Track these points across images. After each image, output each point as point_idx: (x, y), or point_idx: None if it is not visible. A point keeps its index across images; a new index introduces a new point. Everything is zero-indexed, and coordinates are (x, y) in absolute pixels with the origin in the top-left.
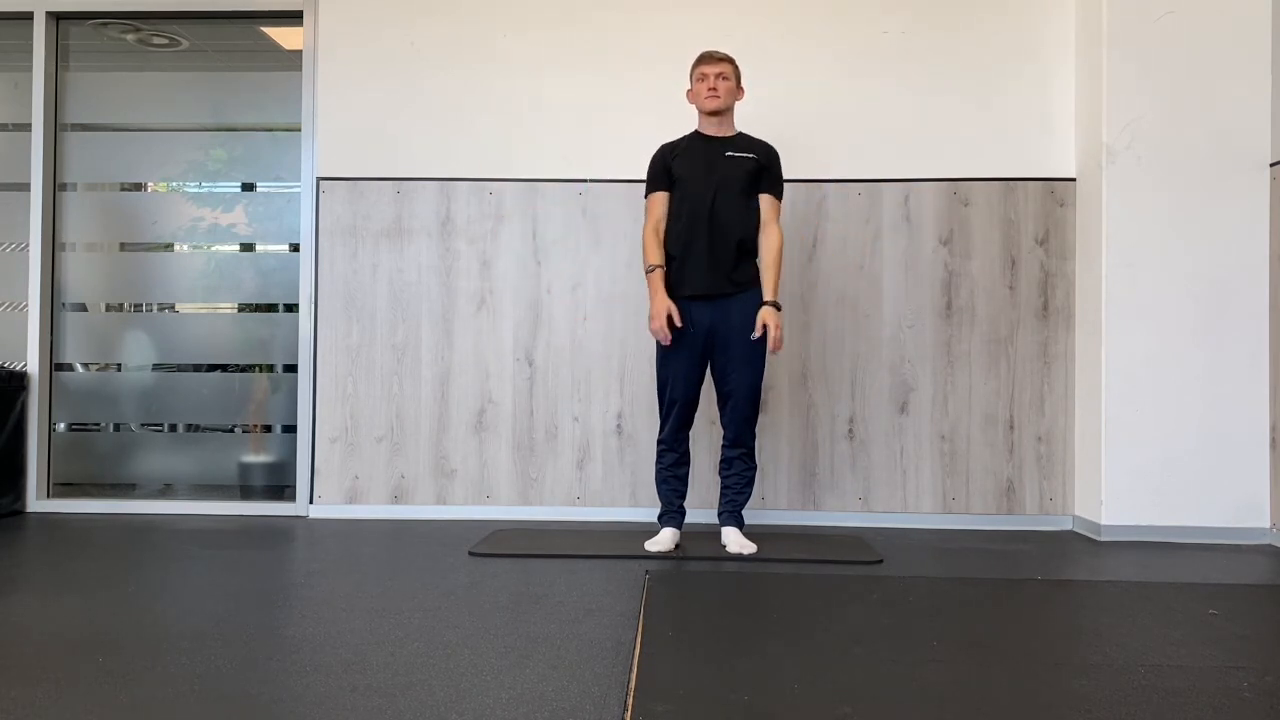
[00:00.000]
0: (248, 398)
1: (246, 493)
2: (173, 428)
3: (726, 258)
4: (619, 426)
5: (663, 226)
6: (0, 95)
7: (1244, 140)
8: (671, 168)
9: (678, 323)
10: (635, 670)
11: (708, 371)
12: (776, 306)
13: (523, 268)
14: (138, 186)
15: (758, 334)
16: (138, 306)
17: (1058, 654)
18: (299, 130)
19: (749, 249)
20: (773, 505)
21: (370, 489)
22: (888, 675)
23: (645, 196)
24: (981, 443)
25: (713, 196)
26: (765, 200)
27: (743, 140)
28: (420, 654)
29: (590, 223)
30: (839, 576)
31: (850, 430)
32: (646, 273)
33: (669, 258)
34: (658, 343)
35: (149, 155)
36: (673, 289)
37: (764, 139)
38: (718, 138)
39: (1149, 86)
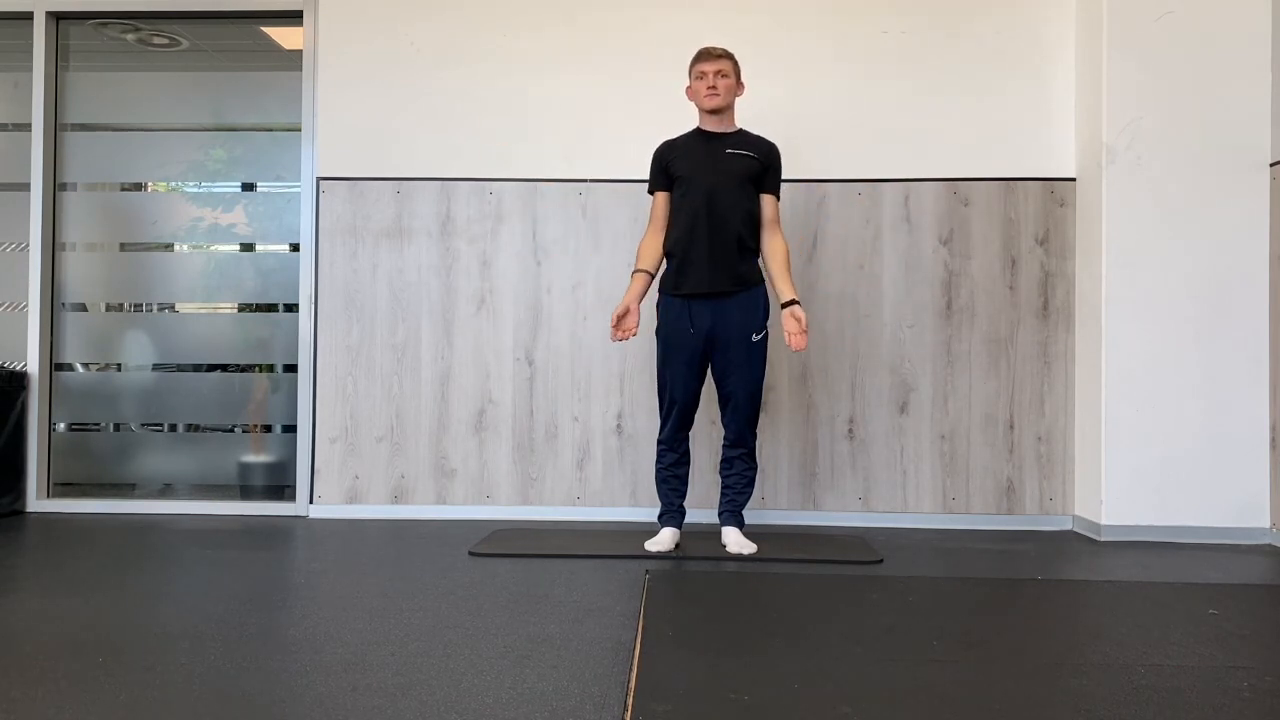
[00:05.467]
0: (248, 398)
1: (246, 493)
2: (173, 428)
3: (727, 255)
4: (619, 426)
5: (662, 227)
6: (0, 95)
7: (1244, 140)
8: (669, 168)
9: (631, 326)
10: (635, 670)
11: (708, 372)
12: (797, 303)
13: (523, 268)
14: (138, 186)
15: (792, 343)
16: (138, 306)
17: (1058, 654)
18: (299, 130)
19: (749, 246)
20: (773, 505)
21: (370, 489)
22: (888, 675)
23: (650, 194)
24: (981, 443)
25: (712, 193)
26: (768, 201)
27: (743, 138)
28: (420, 654)
29: (590, 223)
30: (839, 576)
31: (850, 430)
32: (633, 272)
33: (669, 256)
34: (658, 343)
35: (149, 155)
36: (674, 287)
37: (762, 135)
38: (718, 134)
39: (1149, 86)
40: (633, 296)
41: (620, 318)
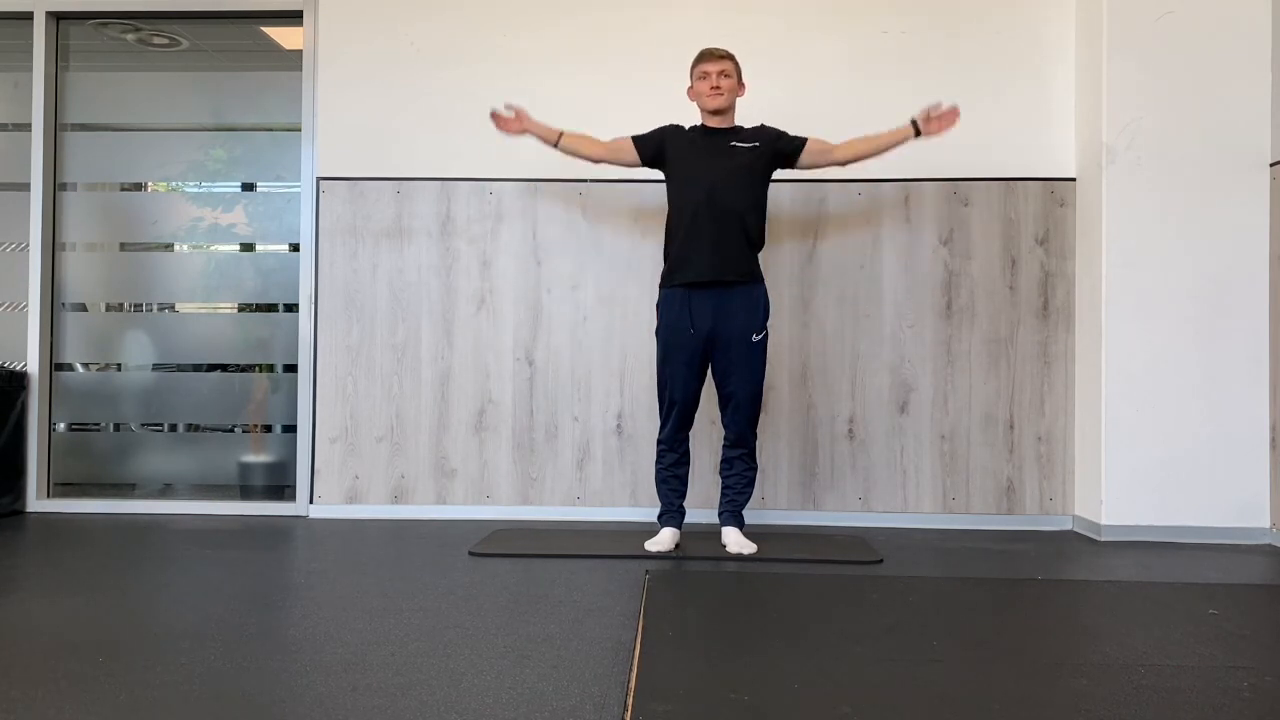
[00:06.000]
0: (248, 398)
1: (246, 493)
2: (173, 428)
3: (728, 245)
4: (619, 426)
5: (610, 149)
6: (0, 95)
7: (1244, 140)
8: (666, 151)
9: (512, 126)
10: (635, 670)
11: (708, 372)
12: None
13: (523, 268)
14: (138, 186)
15: (936, 127)
16: (138, 306)
17: (1058, 654)
18: (299, 130)
19: (751, 240)
20: (773, 505)
21: (370, 489)
22: (888, 675)
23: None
24: (981, 443)
25: (715, 185)
26: (813, 144)
27: (740, 132)
28: (420, 654)
29: (590, 223)
30: (839, 576)
31: (850, 430)
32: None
33: (668, 248)
34: (658, 343)
35: (149, 155)
36: (673, 278)
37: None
38: (721, 129)
39: (1149, 86)
40: (537, 124)
41: (516, 112)
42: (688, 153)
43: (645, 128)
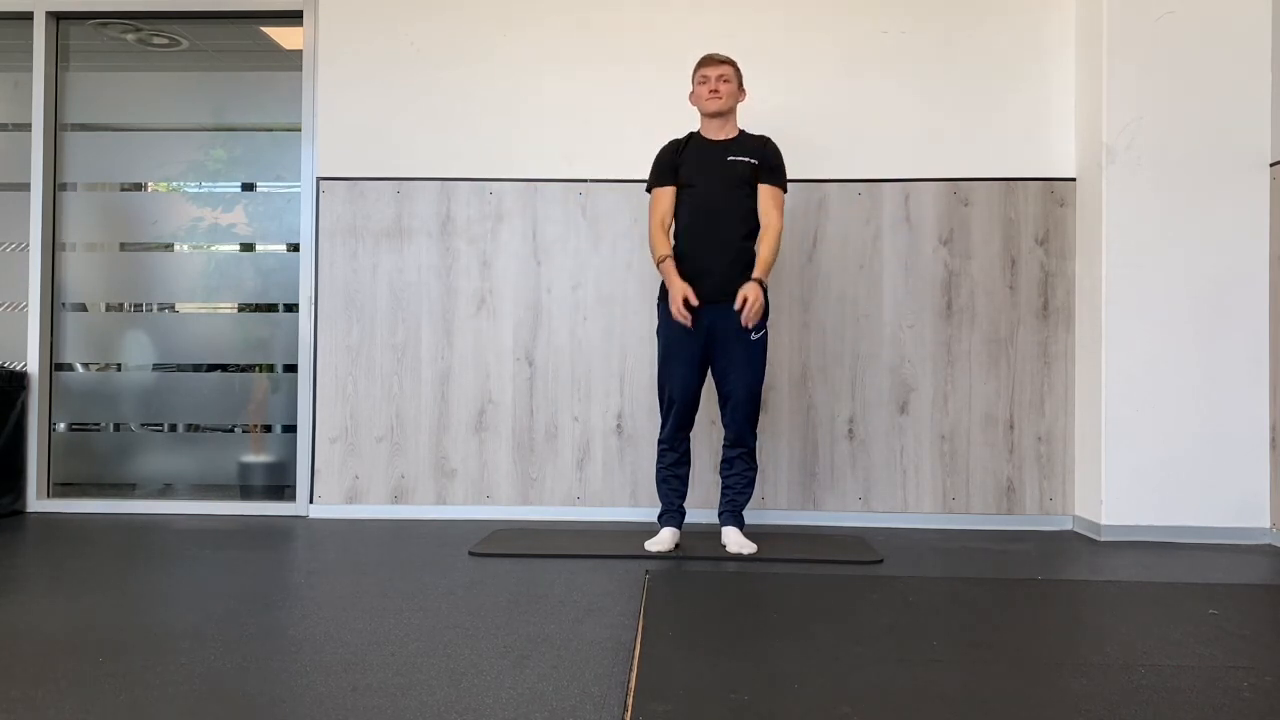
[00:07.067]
0: (248, 398)
1: (246, 493)
2: (173, 428)
3: (728, 263)
4: (619, 426)
5: (669, 220)
6: (0, 95)
7: (1244, 140)
8: (679, 167)
9: (694, 302)
10: (635, 670)
11: (708, 372)
12: (761, 284)
13: (523, 268)
14: (138, 186)
15: (737, 306)
16: (138, 306)
17: (1058, 654)
18: (299, 130)
19: (751, 256)
20: (773, 505)
21: (370, 489)
22: (888, 675)
23: (648, 191)
24: (981, 443)
25: (714, 202)
26: (764, 191)
27: (742, 143)
28: (420, 654)
29: (590, 223)
30: (839, 576)
31: (850, 430)
32: (659, 264)
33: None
34: (659, 342)
35: (149, 155)
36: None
37: (762, 134)
38: (719, 141)
39: (1149, 86)
40: (678, 279)
41: (685, 300)
42: (690, 169)
43: (644, 128)
